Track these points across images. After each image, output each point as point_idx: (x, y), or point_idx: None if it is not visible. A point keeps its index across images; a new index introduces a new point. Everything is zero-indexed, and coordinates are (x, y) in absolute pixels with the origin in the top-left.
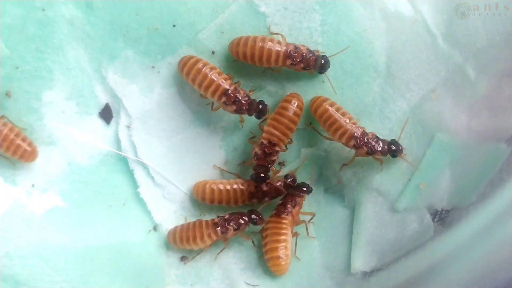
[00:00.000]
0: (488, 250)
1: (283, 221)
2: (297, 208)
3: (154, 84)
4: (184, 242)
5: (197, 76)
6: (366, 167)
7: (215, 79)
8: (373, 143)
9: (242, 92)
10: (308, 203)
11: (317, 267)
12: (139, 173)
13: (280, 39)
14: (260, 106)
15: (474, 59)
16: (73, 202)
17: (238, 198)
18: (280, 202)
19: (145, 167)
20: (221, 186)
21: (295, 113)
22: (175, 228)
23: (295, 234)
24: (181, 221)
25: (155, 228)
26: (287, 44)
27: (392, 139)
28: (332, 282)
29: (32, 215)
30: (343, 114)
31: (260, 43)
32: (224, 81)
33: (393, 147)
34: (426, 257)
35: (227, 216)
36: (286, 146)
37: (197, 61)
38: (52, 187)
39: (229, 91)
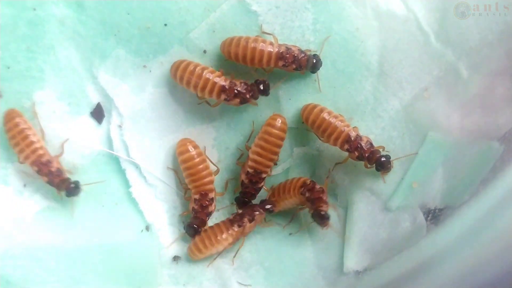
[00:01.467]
0: (481, 247)
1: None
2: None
3: (146, 83)
4: (208, 248)
5: (191, 78)
6: (359, 166)
7: (210, 78)
8: (365, 150)
9: (238, 82)
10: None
11: (309, 266)
12: (131, 173)
13: (272, 39)
14: (261, 86)
15: (466, 57)
16: (64, 202)
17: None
18: (240, 212)
19: (137, 166)
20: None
21: (279, 137)
22: (193, 240)
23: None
24: (173, 221)
25: (147, 228)
26: (279, 45)
27: (386, 155)
28: (324, 281)
29: (23, 215)
30: (335, 117)
31: (252, 44)
32: (218, 78)
33: (381, 162)
34: (419, 256)
35: (240, 211)
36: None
37: (189, 63)
38: (44, 187)
39: (226, 87)
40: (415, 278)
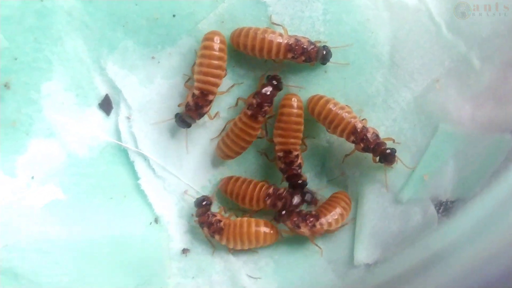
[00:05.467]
0: (492, 240)
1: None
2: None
3: (154, 74)
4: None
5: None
6: (369, 158)
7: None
8: (370, 141)
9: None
10: None
11: (319, 260)
12: (139, 165)
13: (282, 30)
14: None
15: (478, 48)
16: (73, 194)
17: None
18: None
19: (145, 158)
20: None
21: (297, 115)
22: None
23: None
24: (182, 213)
25: (156, 221)
26: (289, 37)
27: (392, 148)
28: (334, 274)
29: (31, 208)
30: (341, 108)
31: (261, 35)
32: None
33: (385, 155)
34: (430, 249)
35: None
36: (305, 144)
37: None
38: (52, 180)
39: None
40: (427, 271)
